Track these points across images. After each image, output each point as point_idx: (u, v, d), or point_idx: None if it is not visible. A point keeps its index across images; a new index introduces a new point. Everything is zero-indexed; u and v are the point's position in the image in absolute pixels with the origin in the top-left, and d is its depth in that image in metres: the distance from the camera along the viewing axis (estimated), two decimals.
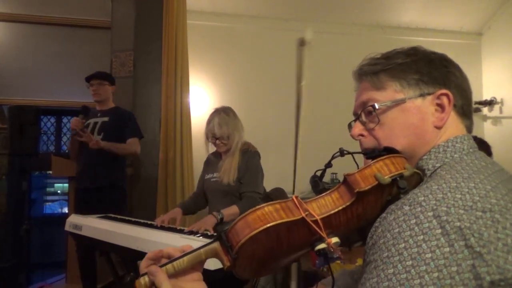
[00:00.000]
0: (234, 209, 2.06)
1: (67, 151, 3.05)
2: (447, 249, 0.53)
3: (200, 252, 0.64)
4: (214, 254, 0.64)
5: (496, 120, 4.58)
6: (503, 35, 4.52)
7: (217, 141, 2.22)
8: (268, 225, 0.58)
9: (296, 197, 0.62)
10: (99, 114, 2.92)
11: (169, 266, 0.63)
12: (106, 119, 2.91)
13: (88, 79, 2.98)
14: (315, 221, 0.60)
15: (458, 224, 0.54)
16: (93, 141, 2.71)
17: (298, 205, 0.61)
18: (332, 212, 0.62)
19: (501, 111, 4.54)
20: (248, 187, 2.17)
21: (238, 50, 4.22)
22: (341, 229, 0.64)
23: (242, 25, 4.26)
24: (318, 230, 0.60)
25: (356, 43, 4.24)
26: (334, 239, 0.61)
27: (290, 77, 4.64)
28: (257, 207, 0.60)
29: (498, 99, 4.53)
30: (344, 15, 4.40)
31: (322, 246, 0.61)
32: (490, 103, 4.57)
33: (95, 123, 2.90)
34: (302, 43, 0.81)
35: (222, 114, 2.24)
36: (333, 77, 4.35)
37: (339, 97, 4.45)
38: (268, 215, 0.59)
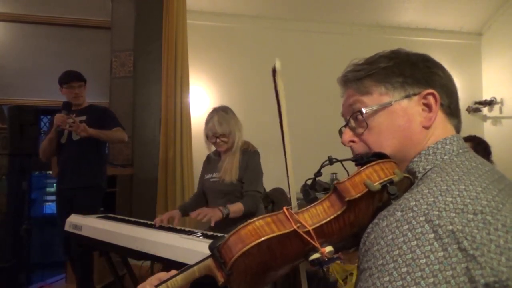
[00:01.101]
0: (239, 205, 2.07)
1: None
2: (441, 254, 0.53)
3: (194, 269, 0.64)
4: (208, 271, 0.64)
5: (496, 120, 4.58)
6: (503, 35, 4.53)
7: (218, 140, 2.22)
8: (260, 239, 0.58)
9: (287, 208, 0.62)
10: (75, 114, 2.83)
11: (163, 286, 0.64)
12: (83, 118, 2.86)
13: (68, 80, 2.91)
14: (308, 232, 0.60)
15: (451, 227, 0.54)
16: (81, 127, 2.65)
17: (289, 217, 0.61)
18: (324, 221, 0.62)
19: (501, 111, 4.54)
20: (250, 186, 2.18)
21: (238, 50, 4.23)
22: (334, 238, 0.64)
23: (242, 25, 4.26)
24: (311, 241, 0.60)
25: (356, 43, 4.24)
26: (328, 248, 0.61)
27: (290, 77, 4.63)
28: (249, 221, 0.60)
29: (498, 99, 4.53)
30: (344, 15, 4.41)
31: (316, 256, 0.61)
32: (490, 103, 4.57)
33: (73, 122, 2.80)
34: (274, 72, 0.80)
35: (221, 112, 2.25)
36: (333, 76, 4.35)
37: (339, 98, 4.46)
38: (259, 229, 0.59)
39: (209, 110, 2.35)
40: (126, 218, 2.22)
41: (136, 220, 2.12)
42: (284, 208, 0.63)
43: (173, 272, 0.67)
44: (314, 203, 0.64)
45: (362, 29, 4.48)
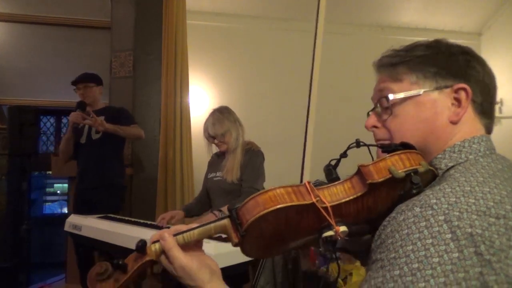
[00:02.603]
0: None
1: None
2: (456, 255, 0.52)
3: (211, 226, 0.66)
4: (224, 230, 0.65)
5: (496, 120, 4.54)
6: (503, 35, 4.53)
7: (215, 141, 2.24)
8: (278, 206, 0.58)
9: (309, 182, 0.63)
10: (91, 116, 2.77)
11: (179, 236, 0.66)
12: (101, 118, 2.82)
13: (74, 83, 2.97)
14: (325, 208, 0.61)
15: (470, 230, 0.53)
16: (98, 122, 2.68)
17: (310, 191, 0.61)
18: (343, 201, 0.62)
19: (500, 111, 4.54)
20: (247, 183, 2.19)
21: (238, 50, 4.22)
22: (350, 219, 0.64)
23: (242, 25, 4.26)
24: (328, 217, 0.60)
25: (356, 43, 4.25)
26: (342, 228, 0.61)
27: (290, 76, 4.63)
28: (270, 188, 0.61)
29: (498, 99, 4.53)
30: (344, 15, 4.41)
31: (330, 233, 0.61)
32: None
33: (92, 117, 2.77)
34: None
35: (216, 114, 2.27)
36: (333, 76, 4.36)
37: (338, 96, 4.46)
38: (279, 197, 0.60)
39: (210, 110, 2.38)
40: (126, 218, 2.22)
41: (136, 220, 2.12)
42: (306, 181, 0.63)
43: (191, 225, 0.68)
44: (336, 183, 0.64)
45: (362, 29, 4.48)
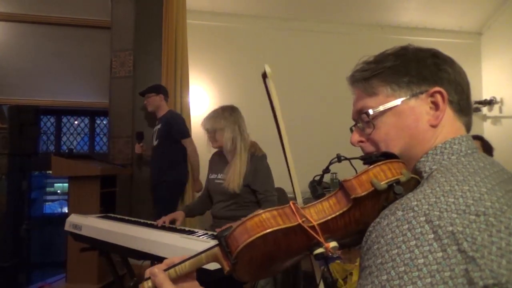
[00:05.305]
0: None
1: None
2: (440, 254, 0.53)
3: (201, 257, 0.67)
4: (215, 259, 0.66)
5: (496, 120, 4.58)
6: (503, 35, 4.53)
7: (207, 135, 2.24)
8: (266, 231, 0.59)
9: (293, 203, 0.63)
10: (157, 122, 3.37)
11: (171, 270, 0.66)
12: (159, 126, 3.30)
13: (141, 95, 3.47)
14: (312, 227, 0.61)
15: (451, 228, 0.53)
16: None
17: (295, 211, 0.62)
18: (330, 217, 0.63)
19: (500, 111, 4.54)
20: (266, 192, 2.16)
21: (238, 50, 4.22)
22: (339, 234, 0.64)
23: (242, 25, 4.26)
24: (316, 236, 0.61)
25: (356, 43, 4.24)
26: (332, 244, 0.62)
27: (290, 76, 4.62)
28: (255, 213, 0.61)
29: (498, 99, 4.53)
30: (344, 15, 4.41)
31: (320, 250, 0.62)
32: (489, 102, 4.57)
33: (155, 131, 3.37)
34: (265, 75, 0.82)
35: (218, 110, 2.25)
36: (333, 76, 4.36)
37: (338, 97, 4.46)
38: (265, 222, 0.60)
39: (209, 109, 2.36)
40: (126, 218, 2.22)
41: (136, 220, 2.12)
42: (291, 202, 0.64)
43: (184, 257, 0.69)
44: (321, 199, 0.65)
45: (362, 29, 4.48)
